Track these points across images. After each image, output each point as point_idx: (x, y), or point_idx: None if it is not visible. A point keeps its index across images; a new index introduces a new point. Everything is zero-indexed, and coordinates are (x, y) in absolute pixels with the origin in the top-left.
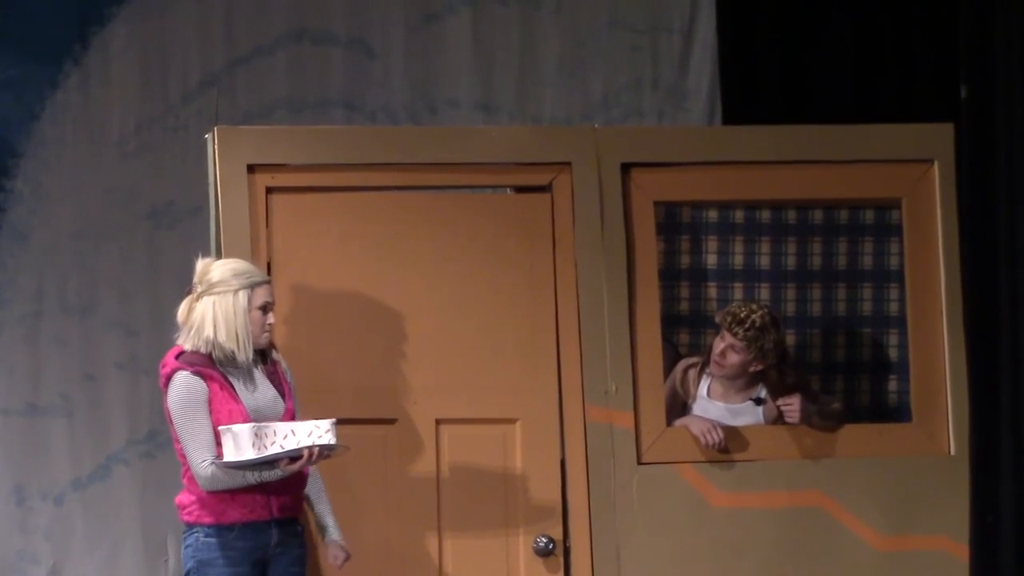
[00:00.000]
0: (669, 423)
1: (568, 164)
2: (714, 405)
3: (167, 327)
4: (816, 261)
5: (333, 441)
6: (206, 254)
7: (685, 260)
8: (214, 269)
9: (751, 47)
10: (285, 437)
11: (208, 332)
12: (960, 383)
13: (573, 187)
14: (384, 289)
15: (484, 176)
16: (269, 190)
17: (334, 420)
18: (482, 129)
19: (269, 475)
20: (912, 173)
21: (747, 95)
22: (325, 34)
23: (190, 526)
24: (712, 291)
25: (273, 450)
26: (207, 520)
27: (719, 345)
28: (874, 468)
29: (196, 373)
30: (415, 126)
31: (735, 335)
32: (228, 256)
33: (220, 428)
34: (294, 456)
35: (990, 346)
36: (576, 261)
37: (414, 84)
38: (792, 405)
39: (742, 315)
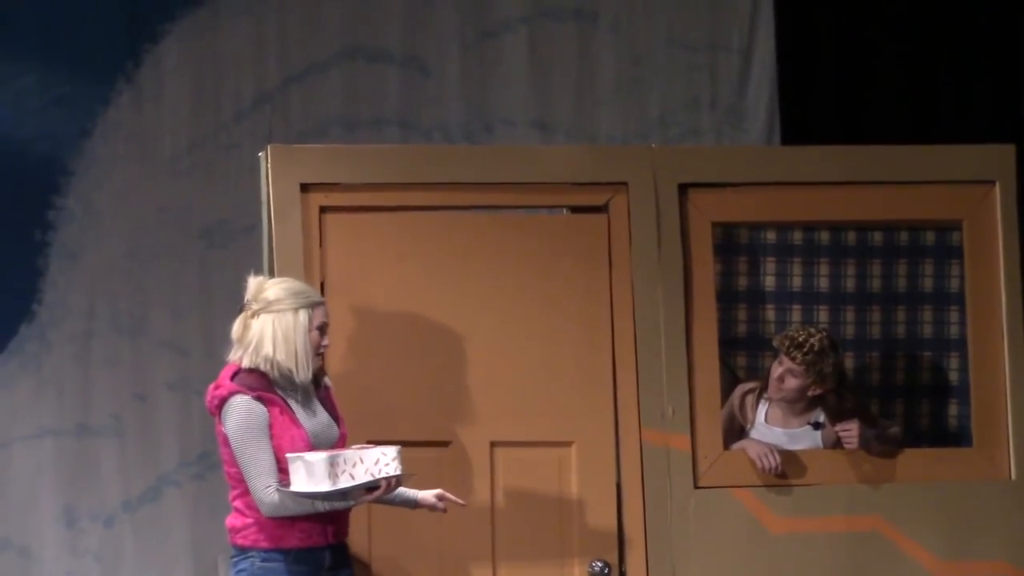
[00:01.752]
0: (726, 447)
1: (625, 184)
2: (772, 431)
3: (219, 347)
4: (876, 283)
5: (399, 471)
6: (259, 273)
7: (743, 282)
8: (270, 287)
9: (810, 67)
10: (354, 466)
11: (267, 350)
12: (1021, 407)
13: (630, 207)
14: (438, 310)
15: (540, 196)
16: (323, 209)
17: (399, 448)
18: (538, 148)
19: (342, 505)
20: (973, 194)
21: (805, 115)
22: (380, 52)
23: (244, 550)
24: (770, 313)
25: (345, 480)
26: (264, 544)
27: (777, 370)
28: (933, 493)
29: (257, 398)
30: (470, 145)
31: (793, 359)
32: (282, 276)
33: (289, 456)
34: (371, 487)
35: None
36: (633, 282)
37: (469, 102)
38: (851, 431)
39: (800, 339)
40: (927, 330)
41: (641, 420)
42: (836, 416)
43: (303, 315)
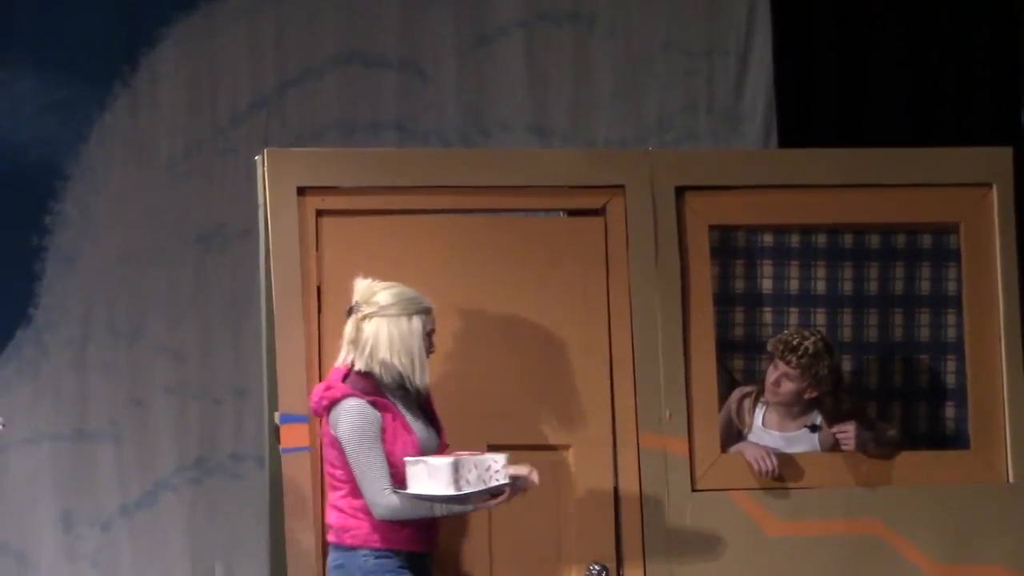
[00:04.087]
0: (724, 450)
1: (622, 187)
2: (769, 435)
3: (216, 351)
4: (873, 286)
5: (506, 479)
6: (255, 278)
7: (740, 285)
8: (381, 291)
9: (807, 70)
10: (470, 471)
11: (384, 354)
12: (1019, 410)
13: (627, 211)
14: (435, 314)
15: (537, 199)
16: (319, 213)
17: (507, 455)
18: (535, 152)
19: (460, 509)
20: (970, 198)
21: (803, 118)
22: (376, 56)
23: (352, 548)
24: (767, 316)
25: (463, 486)
26: (376, 544)
27: (773, 374)
28: (931, 496)
29: (372, 403)
30: (467, 149)
31: (788, 363)
32: (278, 279)
33: (409, 460)
34: (495, 492)
35: None
36: (630, 285)
37: (466, 106)
38: (847, 433)
39: (795, 342)
40: (924, 333)
41: (638, 424)
42: (833, 418)
43: (417, 321)
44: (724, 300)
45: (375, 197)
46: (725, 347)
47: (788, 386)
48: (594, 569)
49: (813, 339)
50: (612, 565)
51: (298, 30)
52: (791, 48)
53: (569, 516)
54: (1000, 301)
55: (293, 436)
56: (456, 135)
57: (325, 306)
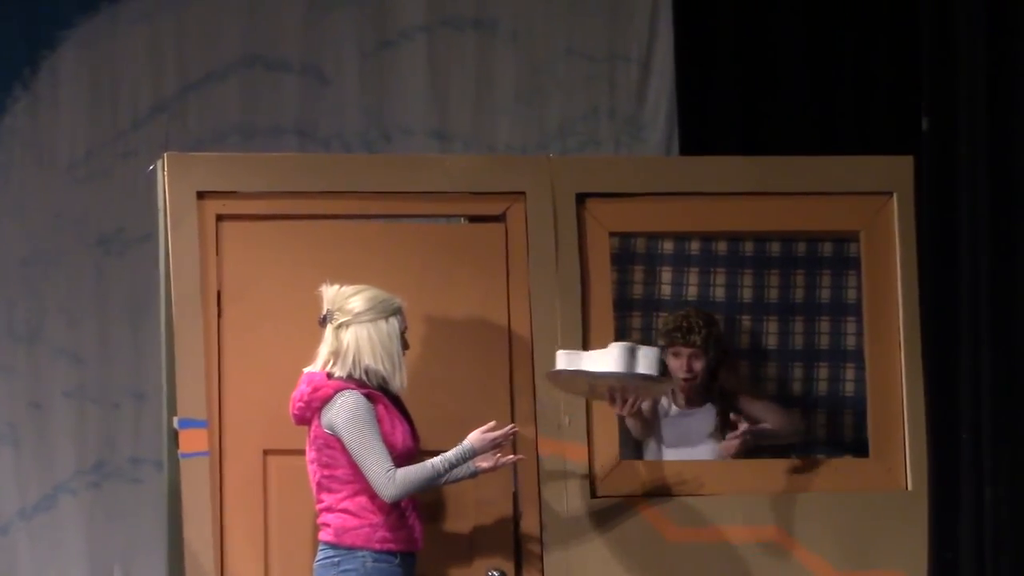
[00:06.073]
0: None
1: (523, 194)
2: (681, 420)
3: (115, 355)
4: (773, 293)
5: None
6: (155, 282)
7: (638, 290)
8: (353, 296)
9: (708, 77)
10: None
11: (368, 360)
12: (918, 417)
13: (527, 217)
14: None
15: (438, 205)
16: (219, 217)
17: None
18: (436, 157)
19: (462, 474)
20: (871, 206)
21: (704, 125)
22: (278, 60)
23: (351, 549)
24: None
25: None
26: (376, 546)
27: (679, 361)
28: (831, 503)
29: (366, 395)
30: (368, 154)
31: (692, 344)
32: (178, 283)
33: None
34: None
35: (950, 381)
36: (530, 292)
37: (368, 111)
38: (733, 444)
39: (685, 324)
40: (824, 340)
41: (538, 430)
42: (728, 409)
43: (393, 321)
44: (622, 305)
45: (276, 201)
46: None
47: (699, 364)
48: (493, 575)
49: (694, 313)
50: (511, 571)
51: (200, 33)
52: (693, 55)
53: (468, 522)
54: (900, 309)
55: (192, 441)
56: (358, 140)
57: (225, 310)
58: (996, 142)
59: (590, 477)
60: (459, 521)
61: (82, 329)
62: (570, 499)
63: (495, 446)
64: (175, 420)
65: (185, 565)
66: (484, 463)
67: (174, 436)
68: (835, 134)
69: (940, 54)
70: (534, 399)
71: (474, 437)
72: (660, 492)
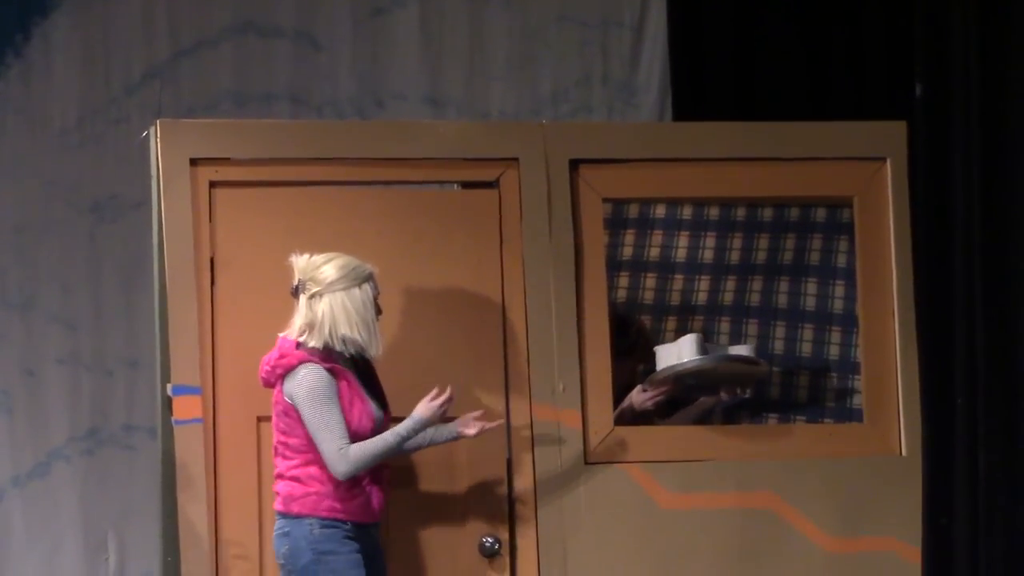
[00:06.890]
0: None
1: (516, 160)
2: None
3: (109, 322)
4: (761, 256)
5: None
6: (148, 249)
7: (627, 252)
8: (324, 265)
9: (702, 43)
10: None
11: (344, 330)
12: (912, 383)
13: (521, 183)
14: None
15: (431, 171)
16: (212, 184)
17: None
18: (429, 124)
19: (441, 436)
20: (864, 171)
21: (698, 91)
22: (271, 26)
23: (299, 517)
24: (651, 282)
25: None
26: (324, 513)
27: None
28: (824, 469)
29: (329, 370)
30: (361, 120)
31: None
32: (171, 249)
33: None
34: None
35: (945, 346)
36: (523, 258)
37: (361, 78)
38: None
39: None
40: (810, 302)
41: (532, 396)
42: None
43: (367, 288)
44: (611, 267)
45: (268, 168)
46: None
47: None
48: (487, 541)
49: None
50: (505, 537)
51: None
52: (686, 20)
53: (461, 488)
54: (893, 275)
55: (185, 408)
56: (350, 106)
57: (218, 277)
58: (989, 107)
59: (584, 443)
60: (453, 486)
61: (75, 296)
62: (564, 465)
63: (443, 412)
64: (169, 387)
65: (179, 532)
66: (467, 429)
67: (168, 403)
68: (829, 99)
69: (934, 19)
70: (528, 365)
71: (421, 407)
72: (653, 458)
